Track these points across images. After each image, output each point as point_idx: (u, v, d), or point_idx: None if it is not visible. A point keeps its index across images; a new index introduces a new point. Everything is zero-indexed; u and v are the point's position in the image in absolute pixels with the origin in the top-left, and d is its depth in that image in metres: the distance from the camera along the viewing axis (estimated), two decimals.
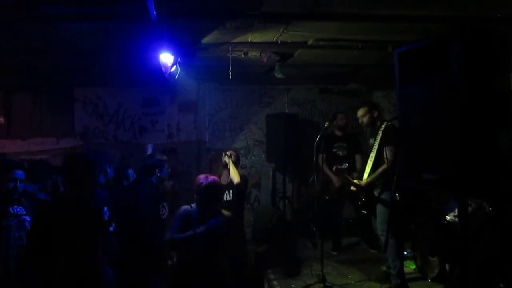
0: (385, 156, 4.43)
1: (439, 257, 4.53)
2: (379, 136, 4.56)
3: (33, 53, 5.06)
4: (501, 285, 3.36)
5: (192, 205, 3.72)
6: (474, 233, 3.52)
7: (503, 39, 2.32)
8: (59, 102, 7.01)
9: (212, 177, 3.73)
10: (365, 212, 4.75)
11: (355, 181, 4.64)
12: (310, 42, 4.76)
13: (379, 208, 4.52)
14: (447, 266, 4.42)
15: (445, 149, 2.30)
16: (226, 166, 4.96)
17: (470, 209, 4.04)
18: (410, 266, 5.07)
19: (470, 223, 3.86)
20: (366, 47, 4.94)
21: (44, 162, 4.82)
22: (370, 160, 4.60)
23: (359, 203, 4.71)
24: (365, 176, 4.60)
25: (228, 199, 4.84)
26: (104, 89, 7.09)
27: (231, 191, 4.85)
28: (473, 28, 2.21)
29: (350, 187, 4.72)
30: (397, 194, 4.38)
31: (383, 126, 4.57)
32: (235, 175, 4.75)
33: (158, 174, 4.66)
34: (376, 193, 4.56)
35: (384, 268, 4.75)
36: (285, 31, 4.33)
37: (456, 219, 4.20)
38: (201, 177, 3.74)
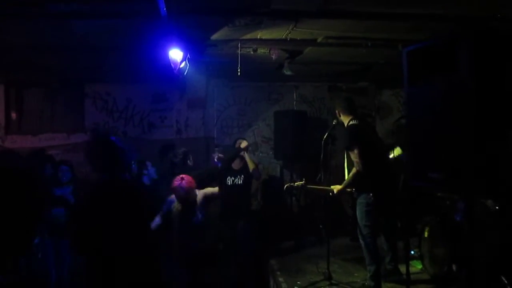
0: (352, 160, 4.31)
1: (446, 256, 4.51)
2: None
3: (44, 49, 5.12)
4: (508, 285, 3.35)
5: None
6: (481, 232, 3.50)
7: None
8: (69, 98, 7.09)
9: (184, 183, 4.13)
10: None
11: (332, 187, 4.53)
12: (319, 39, 4.75)
13: (357, 212, 4.43)
14: (454, 266, 4.40)
15: (452, 148, 2.30)
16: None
17: (477, 208, 4.02)
18: (416, 266, 5.04)
19: (478, 222, 3.84)
20: (375, 45, 4.92)
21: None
22: (346, 164, 4.56)
23: (350, 205, 4.63)
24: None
25: (239, 183, 5.40)
26: (114, 85, 7.15)
27: (242, 176, 5.41)
28: (482, 27, 2.21)
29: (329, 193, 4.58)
30: (371, 194, 4.25)
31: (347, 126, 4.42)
32: (251, 164, 5.43)
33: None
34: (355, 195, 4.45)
35: (388, 266, 4.72)
36: (294, 28, 4.33)
37: (463, 219, 4.17)
38: (177, 184, 4.15)
